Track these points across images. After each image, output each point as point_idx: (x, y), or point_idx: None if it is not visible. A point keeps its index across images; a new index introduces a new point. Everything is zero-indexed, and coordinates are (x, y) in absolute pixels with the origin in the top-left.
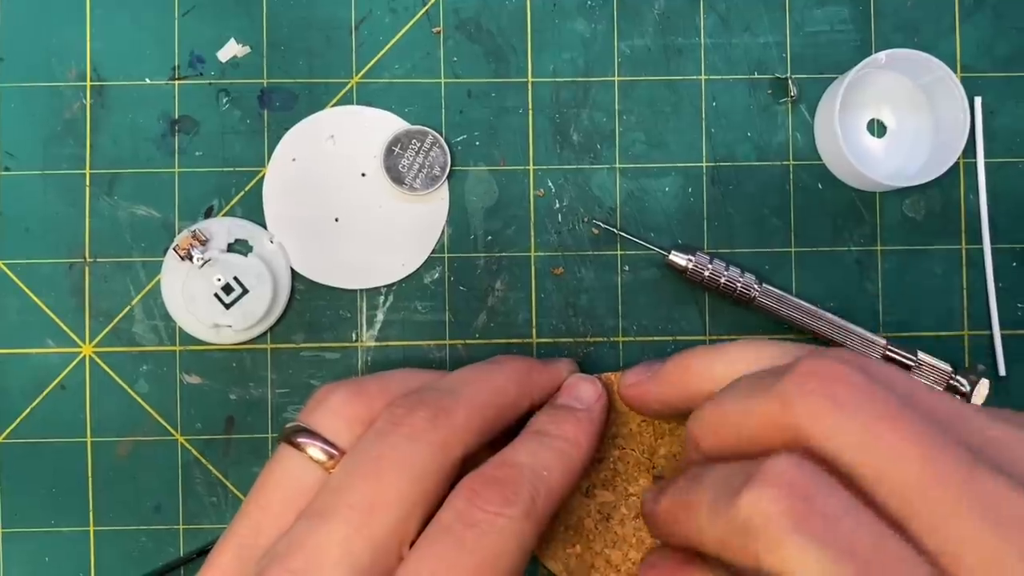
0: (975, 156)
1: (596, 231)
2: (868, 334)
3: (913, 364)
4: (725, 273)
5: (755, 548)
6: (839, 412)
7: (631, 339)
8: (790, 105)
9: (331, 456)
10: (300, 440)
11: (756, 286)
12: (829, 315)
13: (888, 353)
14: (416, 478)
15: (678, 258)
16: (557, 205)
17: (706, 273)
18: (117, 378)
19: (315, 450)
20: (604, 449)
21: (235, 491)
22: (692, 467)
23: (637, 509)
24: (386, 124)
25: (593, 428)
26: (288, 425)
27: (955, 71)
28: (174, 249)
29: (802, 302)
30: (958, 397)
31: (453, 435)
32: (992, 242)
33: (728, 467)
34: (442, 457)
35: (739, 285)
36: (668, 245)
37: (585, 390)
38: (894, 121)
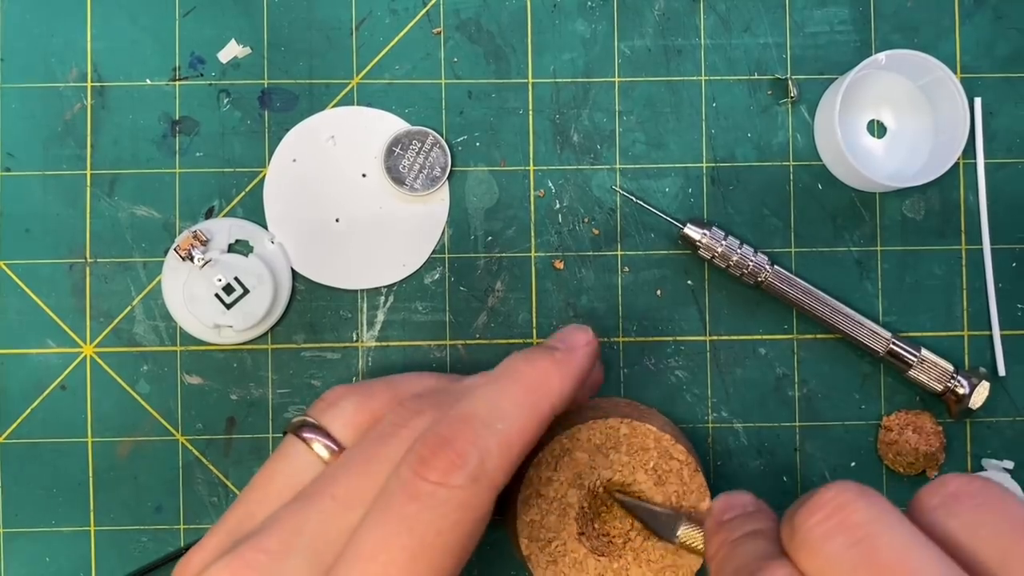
0: (975, 157)
1: (620, 193)
2: (874, 326)
3: (915, 361)
4: (738, 250)
5: None
6: None
7: (631, 339)
8: (790, 106)
9: (333, 453)
10: (307, 435)
11: (767, 266)
12: (837, 303)
13: (892, 347)
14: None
15: (693, 232)
16: (557, 206)
17: (719, 248)
18: (118, 378)
19: (319, 446)
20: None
21: (236, 491)
22: None
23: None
24: (386, 125)
25: (570, 369)
26: (297, 418)
27: (955, 72)
28: (175, 250)
29: (811, 287)
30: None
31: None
32: (992, 242)
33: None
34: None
35: (751, 264)
36: (684, 219)
37: (574, 335)
38: (894, 122)
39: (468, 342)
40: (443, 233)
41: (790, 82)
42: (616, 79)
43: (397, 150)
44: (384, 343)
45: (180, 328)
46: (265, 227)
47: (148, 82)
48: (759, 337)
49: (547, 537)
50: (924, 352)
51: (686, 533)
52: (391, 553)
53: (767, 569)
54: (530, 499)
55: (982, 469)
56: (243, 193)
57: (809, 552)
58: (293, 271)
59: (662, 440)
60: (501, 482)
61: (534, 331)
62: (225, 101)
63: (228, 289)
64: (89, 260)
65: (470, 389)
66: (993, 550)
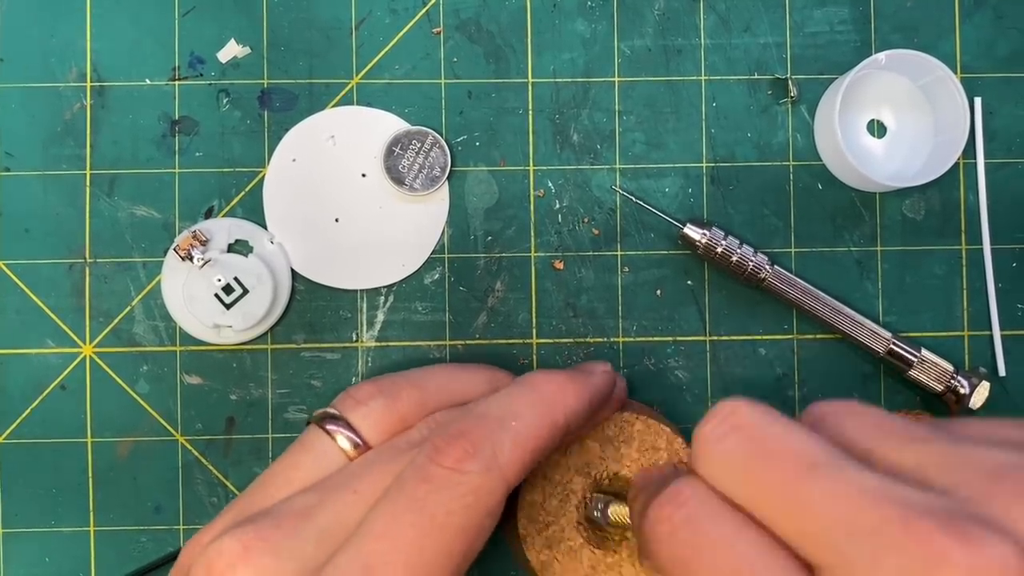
0: (975, 156)
1: (620, 193)
2: (874, 326)
3: (915, 361)
4: (738, 250)
5: None
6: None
7: (631, 339)
8: (790, 105)
9: (356, 447)
10: (331, 428)
11: (767, 266)
12: (838, 303)
13: (892, 347)
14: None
15: (693, 232)
16: (557, 205)
17: (719, 249)
18: (117, 378)
19: (344, 440)
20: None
21: (236, 491)
22: None
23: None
24: (386, 125)
25: (586, 387)
26: (321, 410)
27: (955, 71)
28: (174, 250)
29: (811, 287)
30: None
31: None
32: (992, 242)
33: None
34: None
35: (751, 264)
36: (684, 219)
37: (593, 363)
38: (894, 122)
39: (468, 342)
40: (443, 233)
41: (790, 82)
42: (616, 79)
43: (397, 150)
44: (384, 343)
45: (180, 328)
46: (265, 227)
47: (148, 82)
48: (759, 337)
49: (546, 520)
50: (924, 352)
51: (615, 511)
52: (400, 530)
53: (672, 486)
54: (535, 479)
55: None
56: (243, 193)
57: (707, 456)
58: (293, 271)
59: (674, 442)
60: (513, 478)
61: (534, 331)
62: (225, 101)
63: (228, 289)
64: (89, 260)
65: (490, 397)
66: (862, 442)
